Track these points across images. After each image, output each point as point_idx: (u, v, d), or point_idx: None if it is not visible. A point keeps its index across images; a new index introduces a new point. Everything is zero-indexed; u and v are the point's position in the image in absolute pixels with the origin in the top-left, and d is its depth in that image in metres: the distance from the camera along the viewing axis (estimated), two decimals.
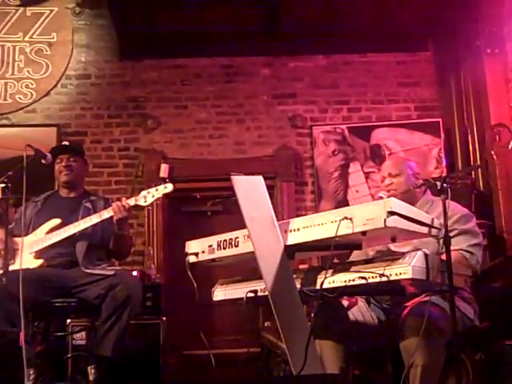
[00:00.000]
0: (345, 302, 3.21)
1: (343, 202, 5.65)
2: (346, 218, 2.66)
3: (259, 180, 2.89)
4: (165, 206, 5.62)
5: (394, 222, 2.57)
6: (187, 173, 5.74)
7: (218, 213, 5.81)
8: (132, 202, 3.76)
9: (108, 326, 3.51)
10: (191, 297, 3.15)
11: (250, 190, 2.84)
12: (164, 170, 5.53)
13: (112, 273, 3.67)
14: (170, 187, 3.74)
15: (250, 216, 2.77)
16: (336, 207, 4.69)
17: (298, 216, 3.58)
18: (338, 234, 2.66)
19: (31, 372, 3.31)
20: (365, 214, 2.62)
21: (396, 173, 3.38)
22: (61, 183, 4.04)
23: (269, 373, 3.79)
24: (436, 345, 2.77)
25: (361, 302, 3.22)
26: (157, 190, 3.73)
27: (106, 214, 3.75)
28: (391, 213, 2.57)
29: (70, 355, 3.90)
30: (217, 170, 5.67)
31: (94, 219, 3.76)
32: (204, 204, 5.77)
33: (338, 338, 3.06)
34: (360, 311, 3.20)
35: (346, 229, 2.66)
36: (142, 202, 3.75)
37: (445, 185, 2.83)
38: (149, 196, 3.73)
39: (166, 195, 3.81)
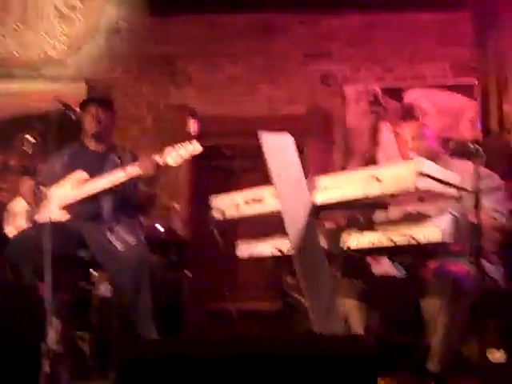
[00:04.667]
0: (369, 260, 3.19)
1: (373, 162, 5.57)
2: (374, 178, 2.62)
3: (288, 138, 2.86)
4: (193, 162, 5.58)
5: (423, 183, 2.53)
6: (217, 129, 5.69)
7: (248, 169, 5.79)
8: (160, 160, 3.73)
9: (135, 310, 3.53)
10: (216, 252, 3.16)
11: (279, 148, 2.81)
12: (192, 126, 5.49)
13: (121, 247, 3.65)
14: (198, 148, 3.70)
15: (278, 173, 2.74)
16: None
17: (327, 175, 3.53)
18: (367, 194, 2.62)
19: (58, 322, 3.36)
20: (394, 174, 2.59)
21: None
22: (89, 135, 4.04)
23: (291, 330, 3.80)
24: (460, 306, 2.76)
25: (384, 258, 3.20)
26: (185, 150, 3.70)
27: (133, 171, 3.74)
28: (421, 174, 2.53)
29: (94, 306, 3.95)
30: (247, 127, 5.61)
31: (121, 177, 3.75)
32: (233, 160, 5.76)
33: (364, 297, 3.06)
34: (385, 268, 3.18)
35: (374, 189, 2.62)
36: (170, 162, 3.72)
37: (478, 147, 2.78)
38: (177, 156, 3.68)
39: None
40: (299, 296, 3.64)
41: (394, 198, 2.68)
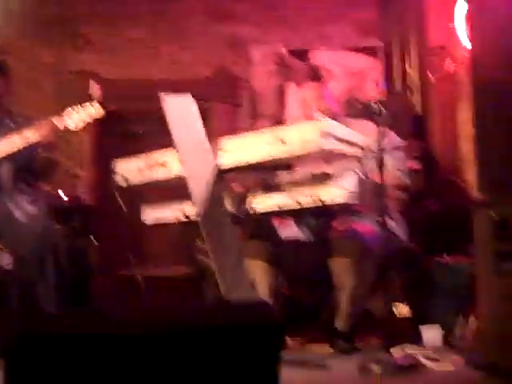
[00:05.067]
0: (276, 222, 3.20)
1: (280, 124, 5.56)
2: (279, 139, 2.61)
3: (190, 100, 2.80)
4: (96, 127, 5.43)
5: (327, 143, 2.54)
6: (119, 93, 5.52)
7: (151, 133, 5.66)
8: (61, 124, 3.59)
9: (38, 282, 3.44)
10: (122, 218, 3.09)
11: (181, 111, 2.76)
12: (94, 90, 5.32)
13: (22, 217, 3.53)
14: (100, 112, 3.59)
15: (180, 137, 2.69)
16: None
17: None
18: (272, 156, 2.61)
19: None
20: (299, 135, 2.58)
21: None
22: None
23: (201, 295, 3.79)
24: (366, 265, 2.83)
25: (291, 221, 3.21)
26: (86, 112, 3.58)
27: (30, 136, 3.57)
28: (325, 134, 2.53)
29: None
30: (150, 90, 5.45)
31: (17, 143, 3.58)
32: (137, 124, 5.63)
33: (271, 259, 3.07)
34: (291, 230, 3.19)
35: (279, 151, 2.61)
36: (70, 125, 3.59)
37: (381, 107, 2.82)
38: (78, 119, 3.56)
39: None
40: (208, 260, 3.62)
41: (299, 159, 2.67)
